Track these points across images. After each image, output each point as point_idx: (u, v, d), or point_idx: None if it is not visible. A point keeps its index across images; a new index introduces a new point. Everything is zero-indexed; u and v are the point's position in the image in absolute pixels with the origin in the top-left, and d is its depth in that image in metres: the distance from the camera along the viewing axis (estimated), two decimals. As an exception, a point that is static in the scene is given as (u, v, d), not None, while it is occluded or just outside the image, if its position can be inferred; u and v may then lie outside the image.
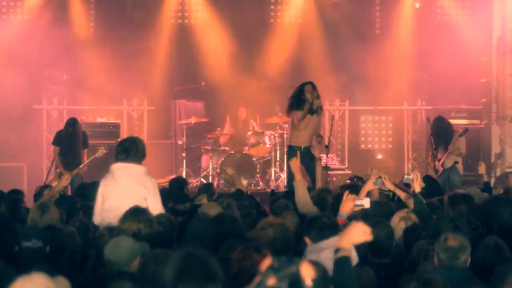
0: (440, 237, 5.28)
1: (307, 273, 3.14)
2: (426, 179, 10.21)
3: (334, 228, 5.38)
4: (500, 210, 6.82)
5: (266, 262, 3.15)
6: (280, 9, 17.21)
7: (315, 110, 12.01)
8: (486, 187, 10.02)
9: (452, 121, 15.07)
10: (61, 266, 5.58)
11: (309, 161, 11.73)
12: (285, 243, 5.66)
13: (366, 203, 6.38)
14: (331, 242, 5.20)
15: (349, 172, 15.25)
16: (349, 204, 6.29)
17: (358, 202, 6.33)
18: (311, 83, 12.25)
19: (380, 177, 7.80)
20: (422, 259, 5.61)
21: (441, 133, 12.68)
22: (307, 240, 5.42)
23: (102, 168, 7.94)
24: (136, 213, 6.20)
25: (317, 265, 3.27)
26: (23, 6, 16.73)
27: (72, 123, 13.02)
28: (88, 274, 5.64)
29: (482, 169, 10.72)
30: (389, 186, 8.07)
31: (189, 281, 3.27)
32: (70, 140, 12.84)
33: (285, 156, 14.74)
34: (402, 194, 8.01)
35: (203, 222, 6.51)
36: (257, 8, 17.20)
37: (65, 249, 5.79)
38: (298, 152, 9.36)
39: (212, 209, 7.00)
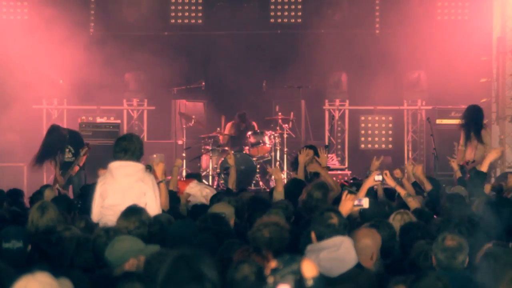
0: (438, 237, 5.28)
1: (308, 271, 3.16)
2: (429, 180, 10.20)
3: (342, 226, 5.34)
4: (500, 211, 6.82)
5: (272, 265, 3.18)
6: (281, 9, 17.21)
7: (310, 179, 12.03)
8: (461, 183, 9.68)
9: (452, 121, 15.10)
10: (63, 266, 5.58)
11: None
12: (281, 243, 5.66)
13: (365, 203, 6.39)
14: (331, 242, 5.20)
15: (349, 172, 15.28)
16: (348, 204, 6.29)
17: (357, 202, 6.33)
18: (313, 148, 12.13)
19: (381, 174, 7.80)
20: (421, 259, 5.60)
21: (475, 123, 12.32)
22: (312, 235, 5.39)
23: (101, 167, 7.92)
24: (130, 213, 6.20)
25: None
26: (23, 6, 16.74)
27: (50, 131, 12.85)
28: (92, 274, 5.63)
29: (454, 165, 10.35)
30: (390, 182, 8.07)
31: (174, 281, 3.30)
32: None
33: (285, 155, 14.80)
34: (402, 192, 8.00)
35: (183, 223, 6.52)
36: (257, 8, 17.20)
37: (65, 250, 5.78)
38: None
39: (224, 209, 7.00)
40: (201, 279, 3.29)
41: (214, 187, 14.32)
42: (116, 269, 5.22)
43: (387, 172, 7.92)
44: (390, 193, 8.88)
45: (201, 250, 3.44)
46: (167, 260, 3.38)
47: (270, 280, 3.15)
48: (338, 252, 5.13)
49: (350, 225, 5.87)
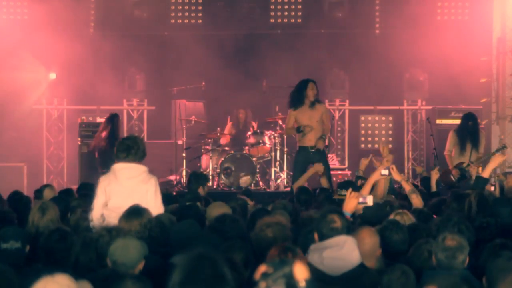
0: (439, 237, 5.27)
1: (300, 273, 3.14)
2: (424, 180, 10.21)
3: (345, 229, 5.33)
4: (499, 211, 6.82)
5: (261, 269, 3.15)
6: (281, 9, 17.21)
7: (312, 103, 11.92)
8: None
9: (452, 121, 15.10)
10: (63, 266, 5.57)
11: (317, 160, 11.61)
12: (285, 242, 5.65)
13: (369, 200, 6.35)
14: (334, 241, 5.20)
15: (349, 172, 15.28)
16: (352, 201, 6.24)
17: (361, 199, 6.29)
18: (313, 80, 12.15)
19: (388, 168, 7.74)
20: (416, 259, 5.59)
21: (472, 131, 12.48)
22: (315, 236, 5.38)
23: (101, 167, 7.91)
24: (132, 214, 6.19)
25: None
26: (23, 6, 16.73)
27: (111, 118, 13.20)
28: (94, 274, 5.63)
29: (474, 170, 10.33)
30: (397, 177, 8.00)
31: (198, 282, 3.26)
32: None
33: (285, 155, 14.78)
34: (407, 187, 7.96)
35: (188, 223, 6.50)
36: (257, 8, 17.19)
37: (66, 250, 5.78)
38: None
39: (221, 209, 6.98)
40: (223, 279, 3.27)
41: (214, 187, 14.36)
42: (122, 270, 5.20)
43: (394, 166, 7.85)
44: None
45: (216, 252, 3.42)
46: (185, 258, 3.34)
47: (262, 285, 3.11)
48: (342, 251, 5.13)
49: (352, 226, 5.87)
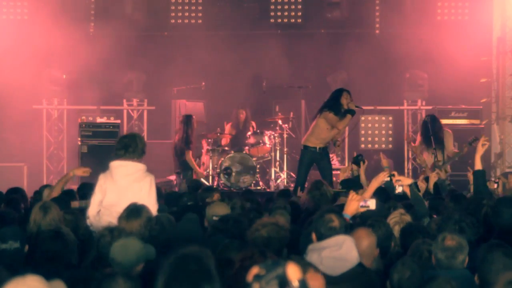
0: (438, 237, 5.28)
1: (293, 274, 3.14)
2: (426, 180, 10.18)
3: (343, 228, 5.33)
4: (500, 211, 6.81)
5: (253, 271, 3.15)
6: (281, 9, 17.21)
7: (345, 112, 11.95)
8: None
9: (452, 121, 15.12)
10: (60, 267, 5.57)
11: (321, 160, 11.75)
12: (280, 242, 5.64)
13: (371, 204, 6.30)
14: (333, 241, 5.19)
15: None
16: (354, 204, 6.20)
17: (363, 203, 6.26)
18: (348, 91, 12.09)
19: (391, 175, 7.69)
20: (416, 259, 5.59)
21: (437, 133, 12.54)
22: (313, 236, 5.38)
23: (101, 167, 7.88)
24: (131, 214, 6.18)
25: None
26: (23, 6, 16.74)
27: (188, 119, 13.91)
28: (95, 273, 5.63)
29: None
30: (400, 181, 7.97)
31: (184, 279, 3.26)
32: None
33: (285, 155, 14.78)
34: (408, 190, 7.93)
35: (191, 223, 6.50)
36: (257, 8, 17.19)
37: (67, 249, 5.78)
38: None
39: (220, 209, 6.99)
40: (209, 275, 3.27)
41: (214, 187, 14.34)
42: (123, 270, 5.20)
43: (395, 172, 7.80)
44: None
45: (207, 249, 3.41)
46: (172, 256, 3.34)
47: (255, 287, 3.11)
48: (340, 251, 5.12)
49: (351, 225, 5.86)
